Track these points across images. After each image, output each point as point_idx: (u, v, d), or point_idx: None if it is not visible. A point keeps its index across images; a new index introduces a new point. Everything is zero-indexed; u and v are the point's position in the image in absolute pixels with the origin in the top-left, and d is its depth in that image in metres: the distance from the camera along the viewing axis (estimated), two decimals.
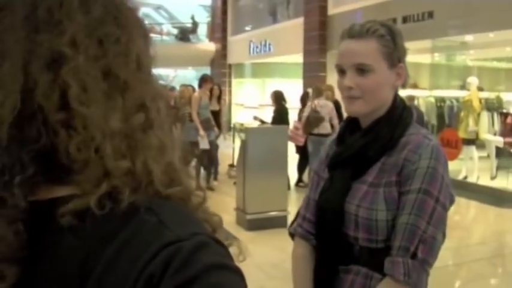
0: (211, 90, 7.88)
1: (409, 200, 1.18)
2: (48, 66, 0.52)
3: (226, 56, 17.65)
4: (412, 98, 8.54)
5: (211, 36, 18.74)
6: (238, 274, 0.52)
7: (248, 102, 16.70)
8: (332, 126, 7.17)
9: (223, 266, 0.51)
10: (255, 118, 7.99)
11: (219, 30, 17.88)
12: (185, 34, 19.21)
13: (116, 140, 0.53)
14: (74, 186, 0.53)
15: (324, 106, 7.19)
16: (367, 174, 1.26)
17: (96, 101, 0.53)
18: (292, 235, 1.45)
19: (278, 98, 7.73)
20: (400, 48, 1.28)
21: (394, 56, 1.26)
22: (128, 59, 0.56)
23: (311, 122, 7.11)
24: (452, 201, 1.21)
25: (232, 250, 0.54)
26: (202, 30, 19.70)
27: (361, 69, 1.24)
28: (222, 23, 17.80)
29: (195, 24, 19.76)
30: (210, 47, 18.20)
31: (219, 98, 8.35)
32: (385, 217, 1.21)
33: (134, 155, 0.54)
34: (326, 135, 7.33)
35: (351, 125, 1.35)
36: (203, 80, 7.45)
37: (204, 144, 7.16)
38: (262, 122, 7.58)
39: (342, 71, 1.28)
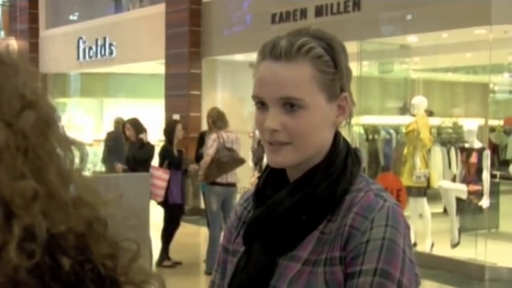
0: None
1: (361, 286, 1.28)
2: None
3: (38, 61, 17.51)
4: None
5: (9, 28, 18.52)
6: None
7: (75, 136, 16.42)
8: None
9: None
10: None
11: (25, 18, 17.71)
12: None
13: (6, 156, 0.64)
14: None
15: (236, 141, 7.54)
16: (300, 247, 1.38)
17: None
18: None
19: (138, 129, 8.02)
20: (344, 71, 1.40)
21: (336, 83, 1.39)
22: None
23: (224, 165, 7.28)
24: (418, 285, 1.35)
25: None
26: None
27: (290, 105, 1.36)
28: (29, 6, 17.64)
29: None
30: (9, 45, 17.68)
31: None
32: None
33: (39, 170, 0.66)
34: (235, 185, 7.31)
35: (273, 177, 1.46)
36: None
37: None
38: (125, 170, 8.03)
39: (261, 104, 1.40)
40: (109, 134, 11.04)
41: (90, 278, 0.69)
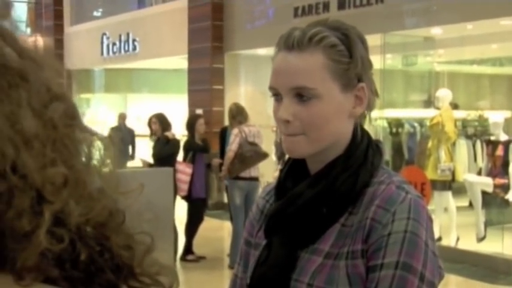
0: None
1: (382, 280, 1.28)
2: None
3: (63, 57, 17.62)
4: None
5: (35, 25, 18.62)
6: None
7: (100, 132, 16.67)
8: None
9: None
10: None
11: (50, 15, 17.85)
12: None
13: (36, 144, 0.65)
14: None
15: (258, 135, 7.52)
16: (322, 240, 1.38)
17: None
18: None
19: (163, 123, 8.09)
20: (360, 61, 1.39)
21: (351, 73, 1.38)
22: None
23: (247, 159, 7.29)
24: (441, 277, 1.36)
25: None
26: (21, 13, 19.35)
27: (302, 95, 1.36)
28: (54, 3, 17.78)
29: (5, 5, 19.77)
30: (35, 42, 17.90)
31: None
32: None
33: (67, 160, 0.68)
34: (258, 179, 7.36)
35: (293, 169, 1.47)
36: None
37: None
38: (151, 165, 7.97)
39: (277, 96, 1.41)
40: (113, 129, 11.16)
41: (108, 267, 0.71)
